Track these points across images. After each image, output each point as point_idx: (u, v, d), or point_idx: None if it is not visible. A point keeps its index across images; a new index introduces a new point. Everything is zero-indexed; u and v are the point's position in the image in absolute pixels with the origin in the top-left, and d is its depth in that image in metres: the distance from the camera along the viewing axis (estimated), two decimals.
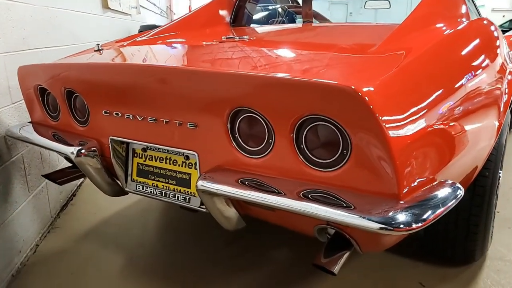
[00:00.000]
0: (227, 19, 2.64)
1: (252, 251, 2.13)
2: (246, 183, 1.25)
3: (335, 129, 1.12)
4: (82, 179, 3.13)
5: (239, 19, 2.70)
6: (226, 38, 1.88)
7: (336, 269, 1.19)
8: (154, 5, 7.59)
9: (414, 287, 1.85)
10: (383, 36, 1.53)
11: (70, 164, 2.02)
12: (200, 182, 1.28)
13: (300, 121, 1.15)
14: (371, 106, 0.99)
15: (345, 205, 1.08)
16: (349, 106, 1.03)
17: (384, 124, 1.01)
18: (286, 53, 1.68)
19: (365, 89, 1.01)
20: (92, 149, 1.65)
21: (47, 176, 1.91)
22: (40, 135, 1.80)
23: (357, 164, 1.11)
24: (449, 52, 1.51)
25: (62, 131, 1.81)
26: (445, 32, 1.61)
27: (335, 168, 1.15)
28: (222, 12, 2.58)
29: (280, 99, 1.15)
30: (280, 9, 5.36)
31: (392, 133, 1.03)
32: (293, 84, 1.10)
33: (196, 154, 1.41)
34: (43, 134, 1.81)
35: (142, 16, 5.96)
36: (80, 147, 1.63)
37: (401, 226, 0.99)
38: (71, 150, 1.62)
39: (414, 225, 0.99)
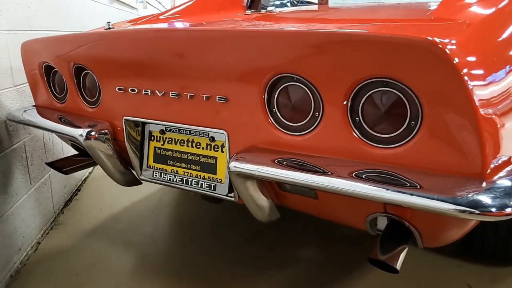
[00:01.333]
0: (243, 3, 2.47)
1: (276, 250, 1.94)
2: (285, 163, 1.06)
3: (402, 96, 0.93)
4: (88, 172, 2.95)
5: (256, 3, 2.52)
6: (252, 11, 1.70)
7: (398, 265, 1.00)
8: (160, 3, 7.45)
9: None
10: (423, 11, 1.35)
11: (77, 152, 1.84)
12: (233, 164, 1.09)
13: (358, 87, 0.97)
14: (456, 64, 0.81)
15: (413, 185, 0.89)
16: (426, 64, 0.84)
17: (469, 87, 0.82)
18: (327, 22, 1.50)
19: (448, 45, 0.82)
20: (103, 131, 1.47)
21: (51, 164, 1.73)
22: (45, 118, 1.62)
23: (428, 138, 0.92)
24: None
25: (70, 114, 1.63)
26: None
27: (398, 144, 0.96)
28: None
29: (335, 60, 0.96)
30: None
31: (477, 99, 0.84)
32: (355, 40, 0.92)
33: (225, 133, 1.22)
34: (48, 117, 1.63)
35: (148, 11, 5.81)
36: (90, 129, 1.44)
37: (492, 210, 0.80)
38: (80, 132, 1.44)
39: (508, 210, 0.80)
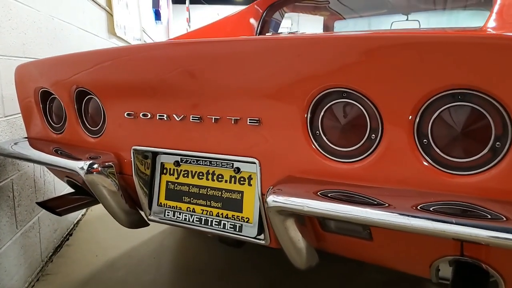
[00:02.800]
0: (253, 31, 2.37)
1: None
2: (337, 195, 0.87)
3: (485, 111, 0.77)
4: (81, 214, 2.70)
5: (265, 31, 2.43)
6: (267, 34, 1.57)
7: None
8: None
9: None
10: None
11: (73, 190, 1.63)
12: (272, 198, 0.90)
13: (429, 101, 0.80)
14: None
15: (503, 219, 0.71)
16: None
17: None
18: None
19: None
20: (107, 164, 1.27)
21: (44, 205, 1.51)
22: (39, 150, 1.42)
23: None
24: None
25: (68, 146, 1.43)
26: None
27: (481, 170, 0.79)
28: (249, 22, 2.30)
29: (401, 69, 0.80)
30: None
31: None
32: (430, 43, 0.76)
33: (256, 162, 1.04)
34: (42, 149, 1.43)
35: None
36: (92, 161, 1.24)
37: None
38: (81, 165, 1.24)
39: None
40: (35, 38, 2.07)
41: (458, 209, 0.76)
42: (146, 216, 1.32)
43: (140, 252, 2.20)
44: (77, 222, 2.63)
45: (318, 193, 0.87)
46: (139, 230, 2.44)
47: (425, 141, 0.83)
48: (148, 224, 1.45)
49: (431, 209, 0.76)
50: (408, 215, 0.75)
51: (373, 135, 0.89)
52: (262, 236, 1.10)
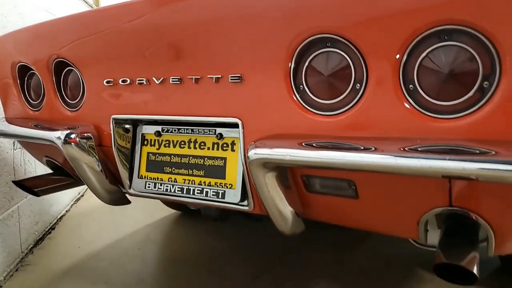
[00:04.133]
0: None
1: (285, 285, 1.65)
2: (315, 145, 0.84)
3: (472, 48, 0.75)
4: (65, 210, 2.62)
5: None
6: None
7: (476, 271, 0.76)
8: None
9: None
10: None
11: (51, 171, 1.57)
12: (253, 151, 0.86)
13: (415, 42, 0.78)
14: None
15: (490, 153, 0.69)
16: None
17: None
18: None
19: None
20: (86, 135, 1.23)
21: (20, 184, 1.44)
22: (15, 125, 1.37)
23: (507, 101, 0.73)
24: None
25: (47, 121, 1.38)
26: None
27: (467, 112, 0.76)
28: None
29: (389, 8, 0.77)
30: None
31: None
32: None
33: (240, 122, 1.00)
34: (18, 124, 1.38)
35: None
36: (69, 131, 1.20)
37: None
38: (57, 135, 1.19)
39: None
40: (16, 23, 2.03)
41: (446, 148, 0.73)
42: (127, 190, 1.26)
43: (124, 244, 2.13)
44: (61, 217, 2.55)
45: (303, 144, 0.84)
46: (124, 223, 2.40)
47: (411, 87, 0.81)
48: (129, 202, 1.40)
49: (418, 149, 0.73)
50: (395, 155, 0.72)
51: (358, 84, 0.85)
52: (245, 202, 1.06)
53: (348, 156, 0.77)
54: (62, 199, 2.62)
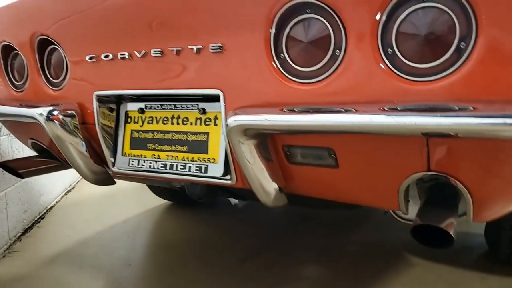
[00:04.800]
0: None
1: (273, 269, 1.64)
2: (295, 110, 0.84)
3: (449, 8, 0.74)
4: (55, 201, 2.61)
5: None
6: None
7: (453, 233, 0.76)
8: None
9: None
10: None
11: (36, 154, 1.56)
12: (232, 118, 0.86)
13: (393, 4, 0.78)
14: None
15: (467, 109, 0.69)
16: None
17: None
18: None
19: None
20: (69, 112, 1.22)
21: (4, 165, 1.43)
22: None
23: (483, 62, 0.73)
24: None
25: (31, 102, 1.37)
26: None
27: (444, 74, 0.76)
28: None
29: None
30: None
31: None
32: None
33: (221, 94, 0.99)
34: (3, 103, 1.37)
35: None
36: (52, 108, 1.19)
37: None
38: (40, 111, 1.18)
39: None
40: None
41: (424, 107, 0.73)
42: (110, 168, 1.26)
43: (114, 231, 2.12)
44: (51, 208, 2.54)
45: (283, 109, 0.84)
46: (115, 213, 2.40)
47: (389, 51, 0.80)
48: (114, 182, 1.39)
49: (397, 109, 0.73)
50: (372, 114, 0.72)
51: (338, 50, 0.85)
52: (228, 176, 1.05)
53: (327, 117, 0.77)
54: (52, 190, 2.61)
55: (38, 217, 2.32)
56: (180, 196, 2.32)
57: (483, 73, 0.72)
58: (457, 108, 0.70)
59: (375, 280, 1.54)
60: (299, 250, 1.80)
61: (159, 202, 2.55)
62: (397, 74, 0.80)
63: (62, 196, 2.78)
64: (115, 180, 1.37)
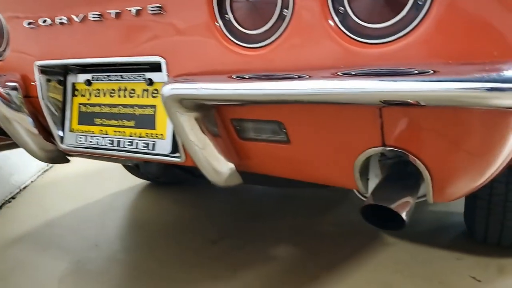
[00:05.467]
0: None
1: (245, 250, 1.58)
2: (242, 77, 0.75)
3: None
4: (30, 181, 2.53)
5: None
6: None
7: (405, 216, 0.68)
8: None
9: (466, 282, 1.34)
10: None
11: None
12: (168, 87, 0.77)
13: None
14: None
15: (424, 72, 0.60)
16: None
17: None
18: None
19: None
20: (11, 84, 1.12)
21: None
22: None
23: (440, 21, 0.64)
24: None
25: None
26: None
27: (402, 33, 0.67)
28: None
29: None
30: None
31: None
32: None
33: (163, 61, 0.90)
34: None
35: None
36: None
37: None
38: None
39: None
40: None
41: (382, 71, 0.64)
42: (59, 145, 1.17)
43: (85, 212, 2.06)
44: (25, 187, 2.47)
45: (232, 77, 0.75)
46: (89, 193, 2.32)
47: (341, 9, 0.71)
48: (68, 160, 1.31)
49: (352, 73, 0.65)
50: (326, 80, 0.63)
51: (285, 9, 0.75)
52: (177, 154, 0.97)
53: (271, 85, 0.68)
54: (25, 169, 2.53)
55: (9, 197, 2.25)
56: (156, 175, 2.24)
57: (442, 33, 0.63)
58: (416, 72, 0.61)
59: (349, 260, 1.49)
60: (273, 231, 1.74)
61: (137, 181, 2.47)
62: (349, 36, 0.70)
63: (39, 176, 2.71)
64: (69, 158, 1.29)
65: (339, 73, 0.68)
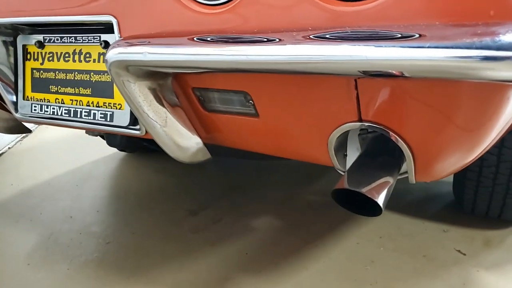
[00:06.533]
0: None
1: (224, 221, 1.52)
2: (209, 39, 0.64)
3: None
4: (7, 147, 2.44)
5: None
6: None
7: (381, 200, 0.60)
8: None
9: (451, 256, 1.30)
10: None
11: None
12: (113, 51, 0.66)
13: None
14: None
15: (407, 36, 0.50)
16: None
17: None
18: None
19: None
20: None
21: None
22: None
23: None
24: None
25: None
26: None
27: None
28: None
29: None
30: None
31: None
32: None
33: (114, 20, 0.78)
34: None
35: None
36: None
37: None
38: None
39: None
40: None
41: (359, 34, 0.54)
42: (13, 114, 1.07)
43: (62, 180, 1.98)
44: (1, 155, 2.38)
45: (178, 39, 0.64)
46: (68, 160, 2.23)
47: None
48: (29, 130, 1.22)
49: (327, 36, 0.54)
50: (299, 43, 0.53)
51: None
52: (137, 126, 0.88)
53: (226, 50, 0.58)
54: (2, 136, 2.43)
55: None
56: (134, 145, 2.14)
57: None
58: (399, 36, 0.51)
59: (330, 233, 1.44)
60: (254, 202, 1.67)
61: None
62: None
63: (17, 142, 2.61)
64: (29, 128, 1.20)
65: (312, 36, 0.58)
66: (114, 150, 2.30)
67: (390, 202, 1.55)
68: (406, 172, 0.74)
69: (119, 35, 0.78)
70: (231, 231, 1.46)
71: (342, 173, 0.88)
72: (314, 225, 1.47)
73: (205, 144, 0.87)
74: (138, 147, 1.28)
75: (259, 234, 1.45)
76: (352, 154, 0.78)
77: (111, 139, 1.11)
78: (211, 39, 0.62)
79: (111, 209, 1.68)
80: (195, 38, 0.63)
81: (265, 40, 0.59)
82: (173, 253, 1.34)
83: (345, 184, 0.61)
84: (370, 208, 0.63)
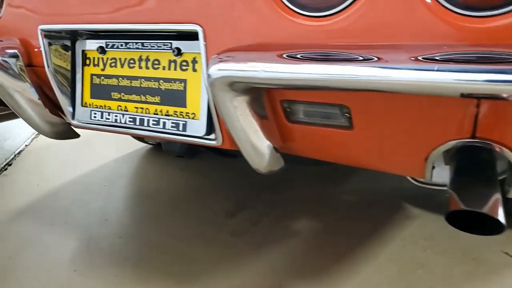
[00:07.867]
0: None
1: (262, 224, 1.51)
2: (300, 56, 0.62)
3: None
4: (24, 144, 2.39)
5: None
6: None
7: (501, 217, 0.60)
8: None
9: (500, 259, 1.30)
10: None
11: None
12: (215, 67, 0.64)
13: None
14: None
15: None
16: None
17: None
18: None
19: None
20: (11, 51, 0.96)
21: None
22: None
23: None
24: None
25: None
26: None
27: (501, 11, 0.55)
28: None
29: None
30: None
31: None
32: None
33: (200, 30, 0.76)
34: None
35: None
36: None
37: None
38: None
39: None
40: None
41: (471, 56, 0.53)
42: (70, 121, 1.04)
43: (89, 180, 1.95)
44: (19, 152, 2.33)
45: (283, 55, 0.62)
46: (90, 158, 2.19)
47: None
48: (78, 135, 1.18)
49: (437, 58, 0.53)
50: (404, 68, 0.51)
51: None
52: (212, 136, 0.85)
53: (346, 69, 0.56)
54: (20, 133, 2.38)
55: (4, 163, 2.12)
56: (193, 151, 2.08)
57: None
58: None
59: (373, 233, 1.43)
60: (291, 202, 1.66)
61: (138, 145, 2.34)
62: (450, 9, 0.57)
63: (33, 139, 2.56)
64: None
65: (420, 58, 0.56)
66: (132, 147, 2.27)
67: (427, 204, 1.57)
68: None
69: (204, 44, 0.75)
70: (273, 234, 1.44)
71: (420, 184, 0.87)
72: (355, 226, 1.46)
73: (280, 153, 0.85)
74: (197, 152, 1.25)
75: (301, 236, 1.44)
76: (439, 167, 0.77)
77: (169, 145, 1.08)
78: (323, 56, 0.60)
79: (144, 211, 1.65)
80: (304, 55, 0.61)
81: (376, 59, 0.57)
82: (219, 258, 1.32)
83: (461, 205, 0.60)
84: (483, 227, 0.62)
